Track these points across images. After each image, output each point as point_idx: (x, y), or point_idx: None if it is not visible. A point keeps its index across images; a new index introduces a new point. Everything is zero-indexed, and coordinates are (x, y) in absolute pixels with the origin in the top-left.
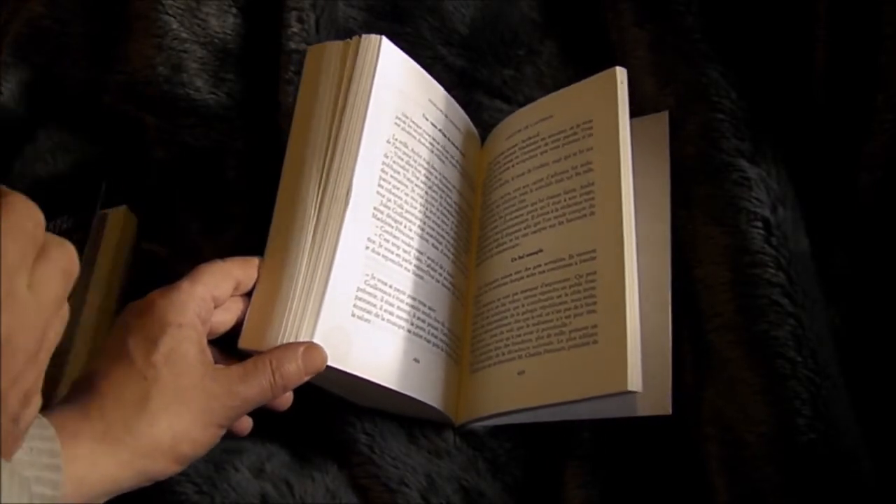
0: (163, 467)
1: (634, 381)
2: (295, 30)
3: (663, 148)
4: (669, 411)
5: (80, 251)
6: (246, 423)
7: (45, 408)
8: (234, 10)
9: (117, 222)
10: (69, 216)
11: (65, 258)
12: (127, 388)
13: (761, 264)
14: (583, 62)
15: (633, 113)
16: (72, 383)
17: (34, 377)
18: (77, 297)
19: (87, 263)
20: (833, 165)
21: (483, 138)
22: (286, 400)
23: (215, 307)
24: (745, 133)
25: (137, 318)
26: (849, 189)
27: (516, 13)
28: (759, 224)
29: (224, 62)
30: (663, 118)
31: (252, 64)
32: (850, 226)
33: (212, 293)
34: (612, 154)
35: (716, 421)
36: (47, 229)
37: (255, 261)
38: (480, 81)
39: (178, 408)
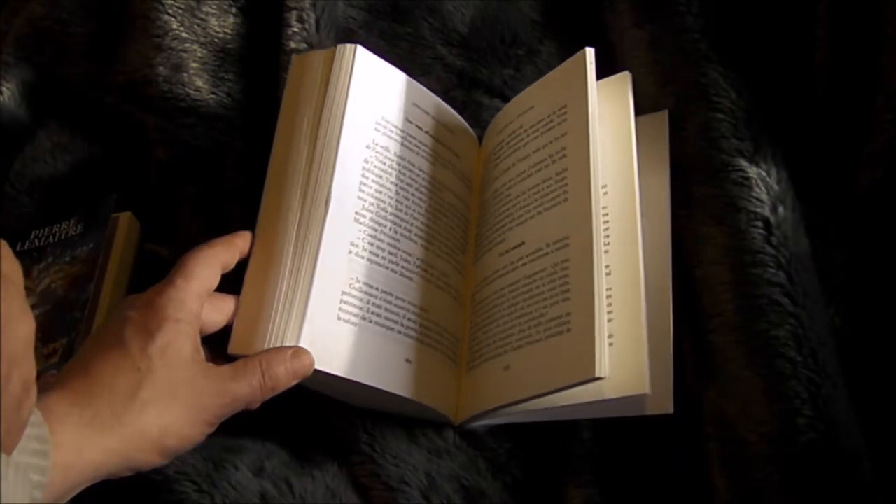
0: (147, 458)
1: (603, 367)
2: (295, 29)
3: (663, 147)
4: (670, 411)
5: (95, 257)
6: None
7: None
8: (234, 10)
9: (123, 227)
10: (77, 221)
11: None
12: (119, 377)
13: (761, 264)
14: None
15: (634, 113)
16: (62, 369)
17: (31, 364)
18: (91, 299)
19: (101, 268)
20: (833, 165)
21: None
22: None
23: (206, 295)
24: (745, 133)
25: (135, 312)
26: (849, 189)
27: (516, 13)
28: (760, 224)
29: (224, 62)
30: (663, 118)
31: (252, 64)
32: (850, 226)
33: (205, 286)
34: (583, 136)
35: (716, 420)
36: (53, 232)
37: (237, 239)
38: (480, 81)
39: (169, 401)
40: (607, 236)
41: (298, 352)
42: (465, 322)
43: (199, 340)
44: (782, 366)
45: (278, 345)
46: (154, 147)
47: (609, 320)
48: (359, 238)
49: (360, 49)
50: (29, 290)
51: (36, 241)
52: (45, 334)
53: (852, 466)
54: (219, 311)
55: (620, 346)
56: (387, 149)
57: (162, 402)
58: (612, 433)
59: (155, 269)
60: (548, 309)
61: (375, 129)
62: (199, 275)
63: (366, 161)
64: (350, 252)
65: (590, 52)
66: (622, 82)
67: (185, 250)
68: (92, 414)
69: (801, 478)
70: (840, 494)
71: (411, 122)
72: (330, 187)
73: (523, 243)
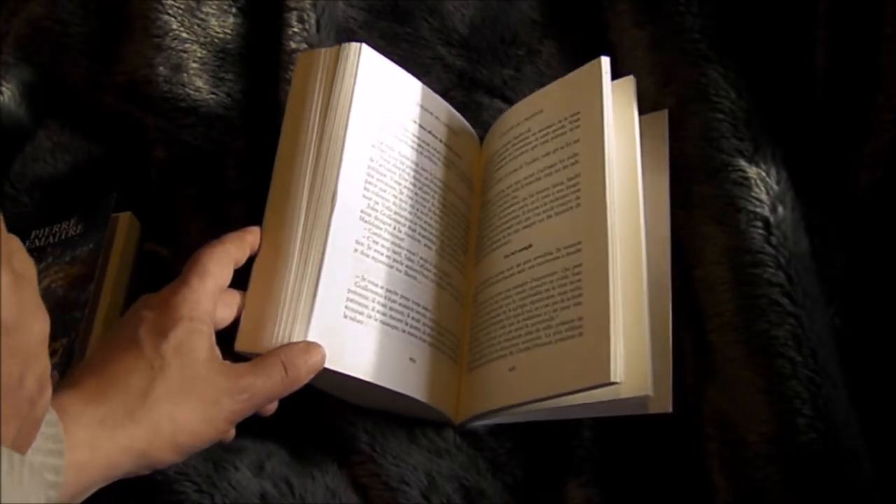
0: (161, 456)
1: (617, 371)
2: (295, 29)
3: (663, 147)
4: (670, 410)
5: (95, 257)
6: (272, 405)
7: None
8: (234, 10)
9: (123, 227)
10: (77, 221)
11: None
12: (132, 375)
13: (761, 264)
14: (583, 62)
15: None
16: (76, 368)
17: (46, 362)
18: (91, 299)
19: (101, 268)
20: (833, 165)
21: (483, 139)
22: (272, 405)
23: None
24: (744, 133)
25: (150, 311)
26: (849, 189)
27: (516, 13)
28: (759, 224)
29: (224, 62)
30: (663, 118)
31: (252, 64)
32: (850, 226)
33: (219, 284)
34: (597, 144)
35: (716, 420)
36: (53, 232)
37: (247, 235)
38: (480, 81)
39: (182, 398)
40: None
41: (310, 346)
42: (465, 322)
43: (213, 338)
44: (782, 366)
45: (286, 341)
46: (154, 147)
47: None
48: (364, 236)
49: (365, 48)
50: None
51: (36, 241)
52: None
53: (852, 466)
54: (228, 307)
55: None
56: (391, 148)
57: (174, 400)
58: (613, 433)
59: (155, 269)
60: (558, 312)
61: (380, 128)
62: (213, 272)
63: (371, 160)
64: (356, 250)
65: (605, 62)
66: (626, 86)
67: (185, 250)
68: (105, 413)
69: (801, 478)
70: (840, 494)
71: (415, 122)
72: (336, 185)
73: (531, 246)
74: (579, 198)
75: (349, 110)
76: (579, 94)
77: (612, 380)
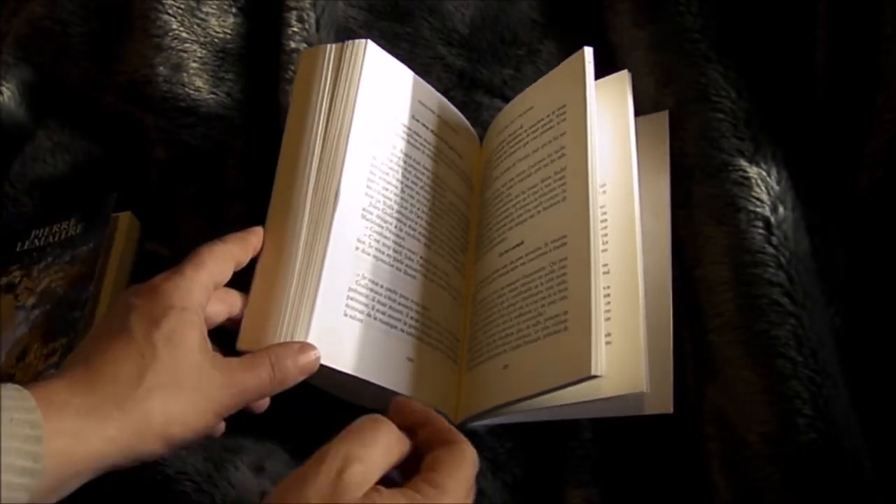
0: (150, 448)
1: (599, 365)
2: (295, 29)
3: (663, 148)
4: (671, 410)
5: (95, 257)
6: (264, 402)
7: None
8: (234, 10)
9: (123, 227)
10: (77, 221)
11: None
12: (123, 365)
13: (762, 264)
14: None
15: (634, 113)
16: (67, 358)
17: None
18: (91, 300)
19: (101, 268)
20: (833, 165)
21: (483, 138)
22: (264, 402)
23: (214, 289)
24: (745, 133)
25: (140, 299)
26: (849, 189)
27: (516, 13)
28: (760, 224)
29: (224, 62)
30: (663, 118)
31: (252, 64)
32: (850, 226)
33: (214, 279)
34: (582, 135)
35: (717, 420)
36: (53, 232)
37: (251, 236)
38: (480, 81)
39: (174, 389)
40: (606, 234)
41: (305, 347)
42: (465, 322)
43: (205, 329)
44: (782, 366)
45: (288, 340)
46: (154, 147)
47: (607, 319)
48: (365, 234)
49: (370, 44)
50: (29, 291)
51: (36, 241)
52: (45, 334)
53: (852, 466)
54: (223, 302)
55: (618, 345)
56: (394, 146)
57: (167, 390)
58: (612, 433)
59: (155, 270)
60: (546, 308)
61: (383, 126)
62: (209, 267)
63: (374, 157)
64: (357, 248)
65: (588, 52)
66: (621, 81)
67: (185, 250)
68: (94, 402)
69: (801, 478)
70: (840, 494)
71: (417, 121)
72: (339, 183)
73: (522, 242)
74: (565, 191)
75: (353, 107)
76: (565, 87)
77: (593, 373)
